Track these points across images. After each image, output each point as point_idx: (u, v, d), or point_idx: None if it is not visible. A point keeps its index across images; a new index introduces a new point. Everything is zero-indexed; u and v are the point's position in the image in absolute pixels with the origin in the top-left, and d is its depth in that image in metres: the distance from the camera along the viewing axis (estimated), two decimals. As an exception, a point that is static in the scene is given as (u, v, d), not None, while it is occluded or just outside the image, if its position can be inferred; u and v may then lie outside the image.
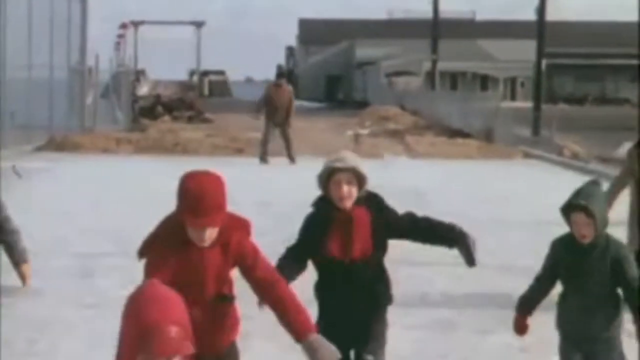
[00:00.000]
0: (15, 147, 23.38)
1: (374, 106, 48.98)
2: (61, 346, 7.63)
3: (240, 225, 4.59)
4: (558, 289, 5.54)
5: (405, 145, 28.14)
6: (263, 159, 22.23)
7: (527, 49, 50.05)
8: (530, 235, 12.06)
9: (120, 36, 74.59)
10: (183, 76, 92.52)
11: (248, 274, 4.58)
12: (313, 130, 29.25)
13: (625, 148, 15.19)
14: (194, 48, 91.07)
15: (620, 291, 5.37)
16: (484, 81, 79.82)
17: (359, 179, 5.18)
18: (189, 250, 4.46)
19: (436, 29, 52.58)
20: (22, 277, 6.76)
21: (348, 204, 5.16)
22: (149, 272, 4.42)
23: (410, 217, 5.33)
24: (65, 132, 27.33)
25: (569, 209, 5.32)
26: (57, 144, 25.43)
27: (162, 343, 3.15)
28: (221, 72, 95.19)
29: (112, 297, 8.79)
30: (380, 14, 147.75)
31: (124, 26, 75.24)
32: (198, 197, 4.36)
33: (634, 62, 71.62)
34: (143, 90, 53.02)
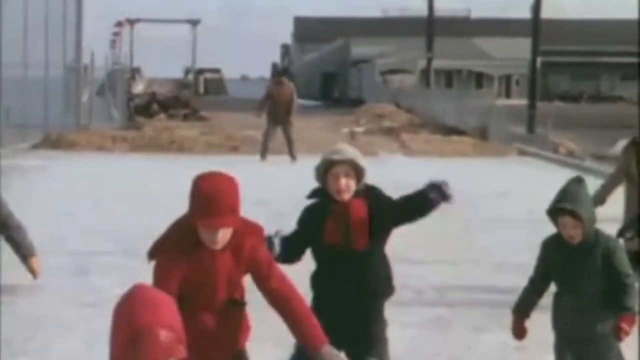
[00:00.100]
0: (11, 145, 23.37)
1: (369, 104, 48.99)
2: (56, 344, 7.66)
3: (254, 231, 4.51)
4: (553, 288, 5.54)
5: (401, 142, 28.15)
6: (263, 156, 22.26)
7: (522, 46, 50.01)
8: (525, 233, 12.09)
9: (116, 34, 74.47)
10: (178, 74, 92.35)
11: (262, 284, 4.51)
12: (309, 128, 29.26)
13: (620, 146, 15.22)
14: (190, 46, 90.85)
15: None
16: (479, 79, 79.81)
17: (357, 171, 5.14)
18: (200, 253, 4.37)
19: (431, 27, 52.54)
20: (32, 271, 6.66)
21: (346, 196, 5.13)
22: (159, 275, 4.35)
23: (400, 198, 5.29)
24: (61, 130, 27.30)
25: (555, 212, 5.28)
26: (53, 142, 25.42)
27: (153, 347, 3.10)
28: (217, 70, 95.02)
29: (109, 296, 8.83)
30: (375, 12, 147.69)
31: (119, 24, 75.05)
32: (210, 197, 4.27)
33: (629, 59, 71.75)
34: (138, 88, 52.91)
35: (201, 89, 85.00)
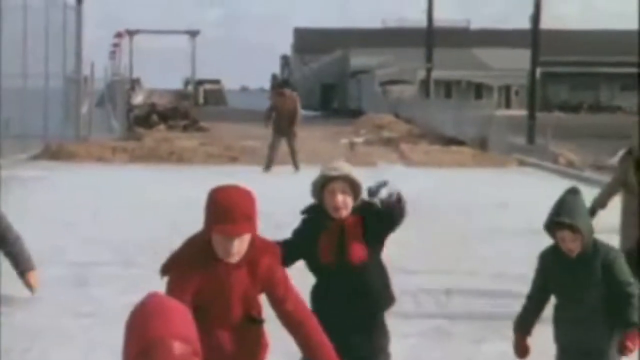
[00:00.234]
0: (11, 156, 23.38)
1: (368, 115, 49.00)
2: (54, 355, 7.65)
3: (270, 250, 4.47)
4: (554, 300, 5.50)
5: (400, 153, 28.17)
6: (267, 167, 22.26)
7: (521, 57, 50.05)
8: (525, 244, 12.07)
9: (116, 45, 74.52)
10: (178, 85, 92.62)
11: (278, 305, 4.46)
12: (309, 139, 29.24)
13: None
14: (189, 57, 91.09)
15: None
16: (479, 89, 79.83)
17: (354, 188, 5.13)
18: (215, 267, 4.33)
19: (430, 38, 52.58)
20: (30, 286, 6.53)
21: (343, 214, 5.11)
22: (172, 290, 4.29)
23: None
24: (61, 141, 27.31)
25: (553, 226, 5.24)
26: (53, 153, 25.43)
27: None
28: (216, 81, 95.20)
29: (108, 306, 8.83)
30: (374, 23, 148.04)
31: (119, 35, 75.16)
32: (226, 206, 4.25)
33: (629, 70, 71.81)
34: (138, 99, 52.96)
35: (201, 100, 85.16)
